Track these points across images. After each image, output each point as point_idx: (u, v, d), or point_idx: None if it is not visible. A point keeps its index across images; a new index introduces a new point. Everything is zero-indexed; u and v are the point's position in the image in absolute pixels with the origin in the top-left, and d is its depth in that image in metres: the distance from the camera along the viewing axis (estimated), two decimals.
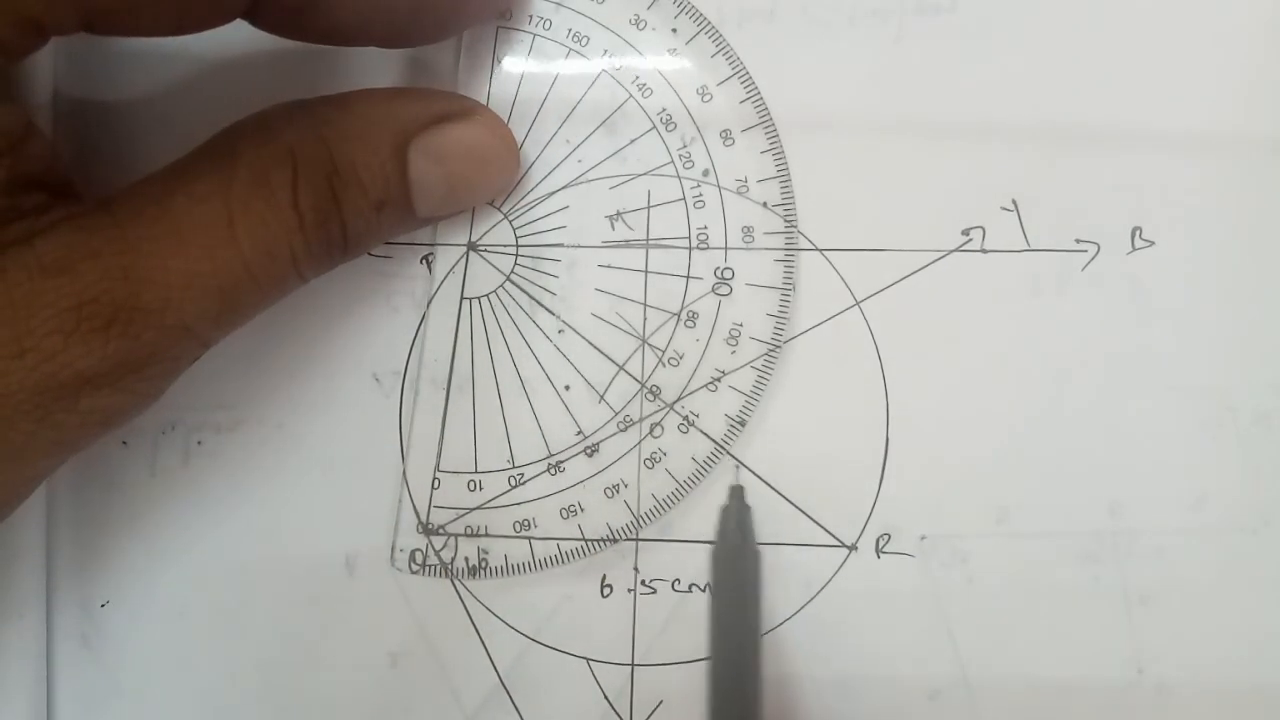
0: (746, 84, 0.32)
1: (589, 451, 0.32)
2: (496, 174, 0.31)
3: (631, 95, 0.32)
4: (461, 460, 0.32)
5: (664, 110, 0.32)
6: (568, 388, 0.32)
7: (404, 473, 0.32)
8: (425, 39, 0.31)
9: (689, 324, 0.32)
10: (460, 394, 0.32)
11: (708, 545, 0.31)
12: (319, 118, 0.28)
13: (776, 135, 0.32)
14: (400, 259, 0.33)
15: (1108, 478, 0.32)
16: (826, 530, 0.32)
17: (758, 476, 0.32)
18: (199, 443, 0.33)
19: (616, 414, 0.32)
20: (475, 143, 0.30)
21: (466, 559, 0.32)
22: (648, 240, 0.32)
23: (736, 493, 0.31)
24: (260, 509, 0.33)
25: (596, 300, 0.32)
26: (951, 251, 0.32)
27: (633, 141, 0.32)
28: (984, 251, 0.32)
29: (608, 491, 0.32)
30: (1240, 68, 0.32)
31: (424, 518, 0.32)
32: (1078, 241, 0.32)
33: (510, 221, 0.32)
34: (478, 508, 0.32)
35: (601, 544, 0.32)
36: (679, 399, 0.32)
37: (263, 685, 0.32)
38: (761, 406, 0.32)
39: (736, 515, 0.31)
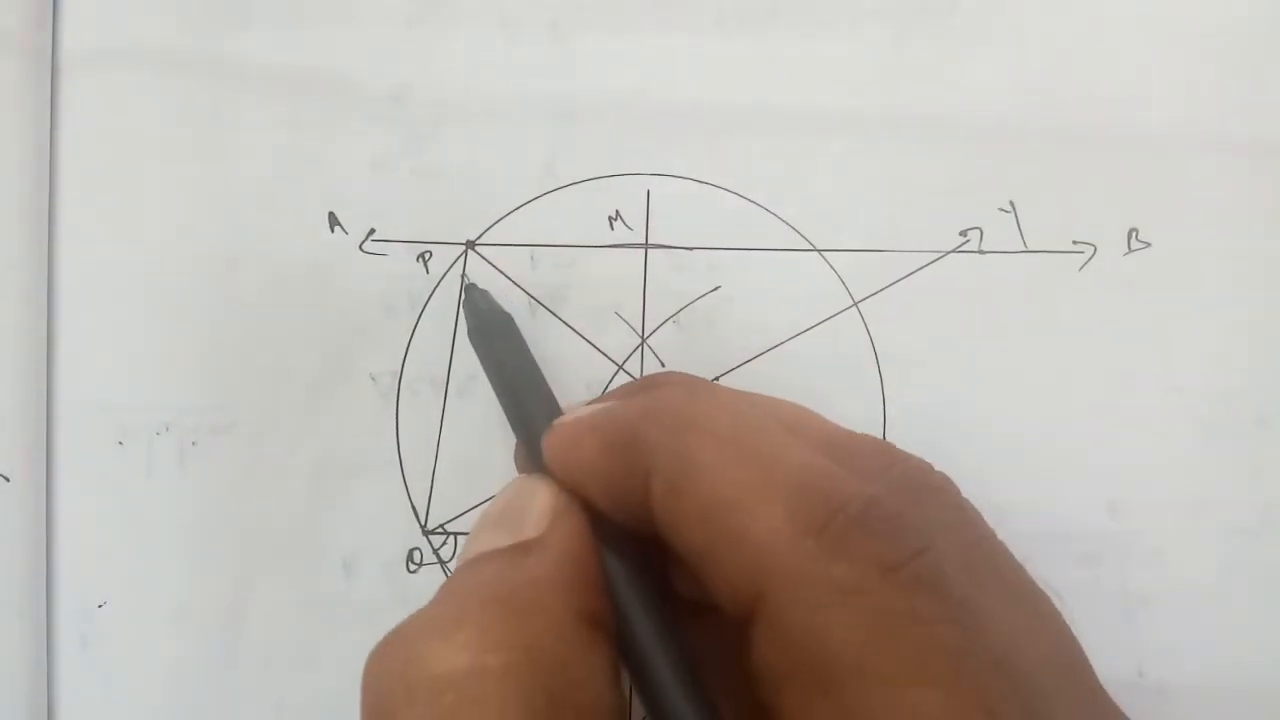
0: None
1: None
2: None
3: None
4: (460, 459, 0.32)
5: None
6: (566, 386, 0.32)
7: (402, 473, 0.32)
8: None
9: (687, 324, 0.32)
10: (458, 394, 0.32)
11: None
12: None
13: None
14: (396, 257, 0.33)
15: (1107, 478, 0.32)
16: None
17: None
18: (194, 444, 0.32)
19: None
20: None
21: None
22: (646, 242, 0.32)
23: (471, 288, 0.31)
24: (256, 511, 0.32)
25: (596, 299, 0.32)
26: (949, 252, 0.32)
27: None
28: (981, 252, 0.32)
29: None
30: (1237, 70, 0.32)
31: (422, 518, 0.32)
32: (1075, 243, 0.32)
33: (510, 219, 0.32)
34: (477, 506, 0.32)
35: None
36: None
37: (261, 687, 0.32)
38: None
39: (478, 297, 0.30)
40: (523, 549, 0.22)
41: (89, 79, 0.32)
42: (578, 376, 0.32)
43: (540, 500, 0.24)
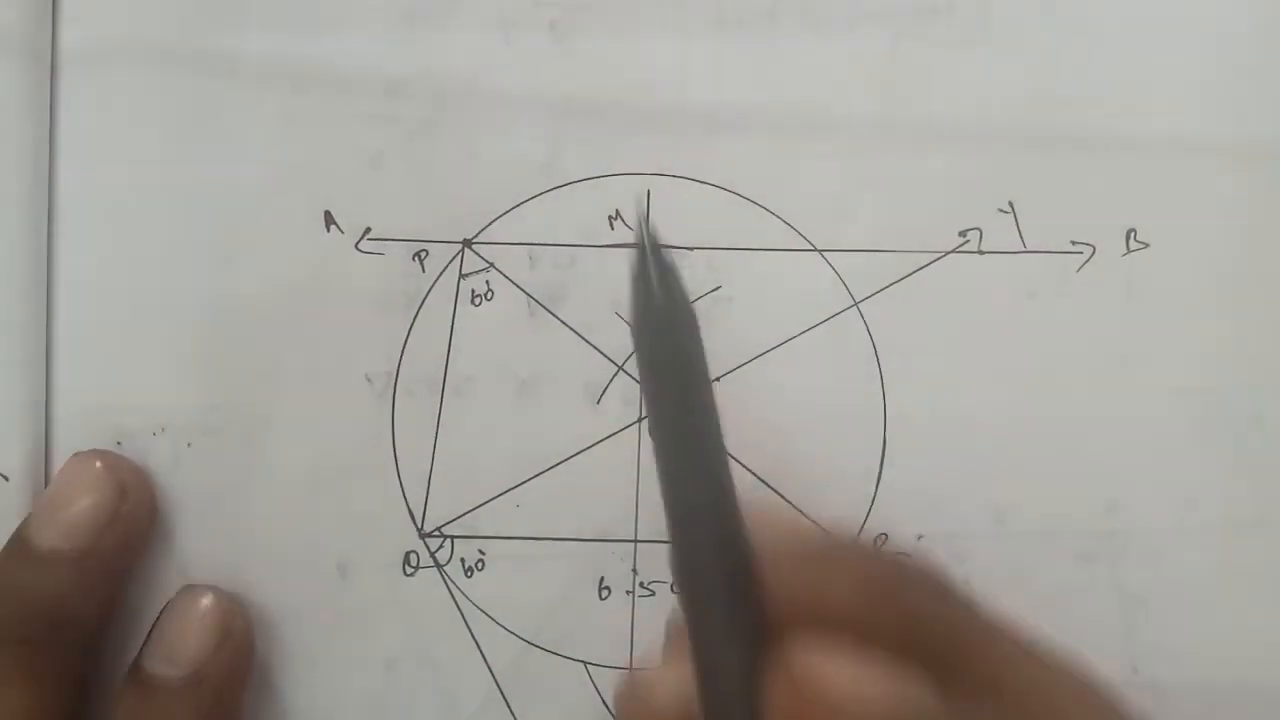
0: None
1: (587, 452, 0.32)
2: None
3: None
4: (457, 461, 0.32)
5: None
6: (565, 387, 0.32)
7: (398, 475, 0.32)
8: None
9: None
10: (455, 394, 0.32)
11: None
12: None
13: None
14: (392, 255, 0.32)
15: (1104, 478, 0.32)
16: (824, 530, 0.32)
17: (756, 476, 0.32)
18: (189, 445, 0.32)
19: (614, 414, 0.32)
20: None
21: (463, 560, 0.32)
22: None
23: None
24: (251, 513, 0.32)
25: (595, 299, 0.32)
26: (949, 253, 0.32)
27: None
28: (981, 253, 0.32)
29: (606, 492, 0.32)
30: (1235, 71, 0.32)
31: (419, 520, 0.32)
32: (1073, 243, 0.32)
33: (508, 218, 0.32)
34: (474, 509, 0.32)
35: (600, 545, 0.32)
36: None
37: (258, 690, 0.32)
38: (760, 406, 0.32)
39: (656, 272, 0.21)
40: None
41: (89, 79, 0.32)
42: (577, 377, 0.32)
43: None
